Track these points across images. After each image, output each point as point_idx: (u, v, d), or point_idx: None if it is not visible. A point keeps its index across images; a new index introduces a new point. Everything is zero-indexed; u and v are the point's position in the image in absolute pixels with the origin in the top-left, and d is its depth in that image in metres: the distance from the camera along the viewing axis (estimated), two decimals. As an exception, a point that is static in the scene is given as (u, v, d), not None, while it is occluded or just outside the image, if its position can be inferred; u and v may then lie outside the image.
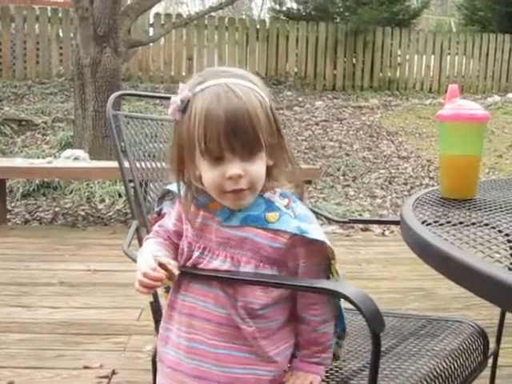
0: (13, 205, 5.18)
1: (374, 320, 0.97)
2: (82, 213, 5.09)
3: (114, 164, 1.65)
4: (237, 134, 1.03)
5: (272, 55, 9.63)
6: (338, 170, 6.43)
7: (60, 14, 8.92)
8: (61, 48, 8.94)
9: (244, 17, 15.17)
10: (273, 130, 1.08)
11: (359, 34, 9.77)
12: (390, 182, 6.17)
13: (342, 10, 10.86)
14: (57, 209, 5.15)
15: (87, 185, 5.47)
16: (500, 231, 1.03)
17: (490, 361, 1.57)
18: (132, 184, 1.58)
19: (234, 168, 1.04)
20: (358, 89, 9.75)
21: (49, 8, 9.13)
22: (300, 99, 8.87)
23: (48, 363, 2.28)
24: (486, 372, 1.55)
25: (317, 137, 7.42)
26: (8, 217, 4.85)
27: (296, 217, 1.11)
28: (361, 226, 4.70)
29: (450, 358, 1.27)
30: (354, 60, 9.90)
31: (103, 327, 2.66)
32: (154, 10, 8.99)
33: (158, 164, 1.65)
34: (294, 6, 11.21)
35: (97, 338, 2.53)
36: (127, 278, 3.22)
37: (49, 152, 6.20)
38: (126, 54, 6.39)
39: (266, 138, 1.06)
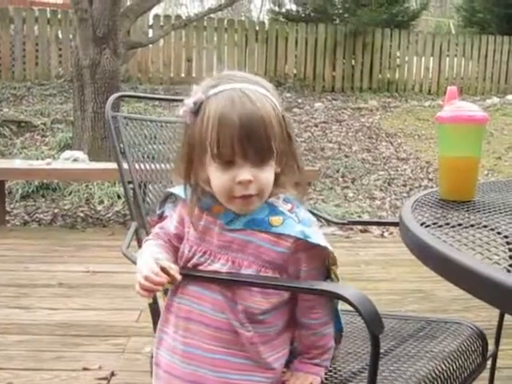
0: (12, 206, 5.18)
1: (373, 322, 0.97)
2: (81, 214, 5.08)
3: (113, 165, 1.65)
4: (250, 140, 1.03)
5: (271, 57, 9.64)
6: (337, 171, 6.43)
7: (59, 16, 8.92)
8: (60, 49, 8.94)
9: (243, 18, 15.17)
10: (284, 137, 1.09)
11: (358, 36, 9.78)
12: (389, 184, 6.17)
13: (341, 11, 10.87)
14: (56, 210, 5.15)
15: (86, 186, 5.47)
16: (499, 233, 1.03)
17: (489, 362, 1.57)
18: (131, 185, 1.58)
19: (245, 173, 1.05)
20: (357, 90, 9.75)
21: (48, 9, 9.13)
22: (299, 101, 8.87)
23: (47, 365, 2.28)
24: (485, 374, 1.55)
25: (316, 138, 7.42)
26: (7, 218, 4.85)
27: (300, 221, 1.11)
28: (360, 227, 4.69)
29: (448, 360, 1.27)
30: (353, 61, 9.90)
31: (102, 329, 2.65)
32: (153, 12, 8.98)
33: (157, 166, 1.65)
34: (293, 7, 11.23)
35: (96, 340, 2.53)
36: (126, 280, 3.22)
37: (48, 153, 6.20)
38: (126, 55, 6.39)
39: (278, 145, 1.06)
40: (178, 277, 1.08)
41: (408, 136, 7.72)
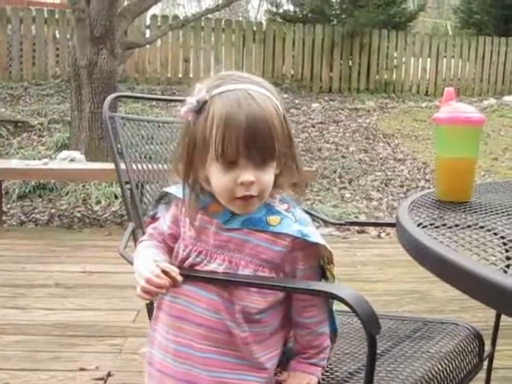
0: (8, 206, 5.17)
1: (370, 322, 0.97)
2: (78, 214, 5.08)
3: (111, 166, 1.65)
4: (255, 142, 1.03)
5: (268, 57, 9.64)
6: (335, 172, 6.44)
7: (56, 16, 8.90)
8: (57, 49, 8.92)
9: (241, 19, 15.17)
10: (285, 139, 1.09)
11: (356, 37, 9.79)
12: (386, 185, 6.18)
13: (338, 12, 10.88)
14: (53, 210, 5.14)
15: (83, 186, 5.47)
16: (495, 234, 1.04)
17: (486, 363, 1.57)
18: (128, 186, 1.58)
19: (248, 174, 1.05)
20: (354, 91, 9.76)
21: (45, 9, 9.12)
22: (296, 101, 8.88)
23: (44, 365, 2.28)
24: (482, 374, 1.55)
25: (313, 139, 7.42)
26: (4, 218, 4.84)
27: (297, 221, 1.12)
28: (357, 228, 4.70)
29: (445, 360, 1.27)
30: (351, 62, 9.91)
31: (99, 329, 2.65)
32: (150, 12, 8.97)
33: (155, 166, 1.65)
34: (291, 8, 11.24)
35: (92, 340, 2.52)
36: (123, 280, 3.22)
37: (45, 153, 6.19)
38: (123, 55, 6.38)
39: (279, 146, 1.07)
40: (180, 279, 1.07)
41: (405, 137, 7.73)
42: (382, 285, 3.35)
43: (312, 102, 8.93)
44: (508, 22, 10.92)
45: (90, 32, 5.76)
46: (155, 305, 1.21)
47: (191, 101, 1.07)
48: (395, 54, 10.11)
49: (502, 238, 1.00)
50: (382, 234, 4.60)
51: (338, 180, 6.26)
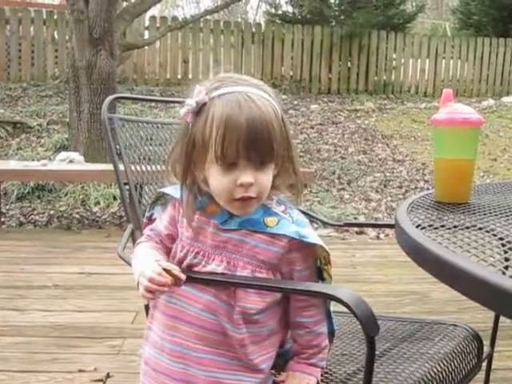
0: (7, 207, 5.17)
1: (369, 323, 0.97)
2: (77, 216, 5.08)
3: (109, 167, 1.65)
4: (255, 143, 1.04)
5: (267, 58, 9.64)
6: (333, 173, 6.44)
7: (55, 17, 8.91)
8: (56, 50, 8.93)
9: (239, 20, 15.17)
10: (283, 141, 1.10)
11: (354, 38, 9.80)
12: (384, 186, 6.18)
13: (337, 13, 10.88)
14: (51, 211, 5.14)
15: (82, 187, 5.46)
16: (494, 235, 1.04)
17: (485, 364, 1.58)
18: (127, 187, 1.58)
19: (247, 176, 1.05)
20: (353, 92, 9.77)
21: (44, 10, 9.11)
22: (295, 102, 8.88)
23: (42, 367, 2.27)
24: (481, 375, 1.55)
25: (312, 140, 7.42)
26: (2, 219, 4.84)
27: (294, 222, 1.13)
28: (356, 229, 4.70)
29: (444, 361, 1.27)
30: (350, 63, 9.92)
31: (98, 330, 2.65)
32: (149, 13, 8.97)
33: (153, 167, 1.65)
34: (290, 9, 11.24)
35: (91, 342, 2.52)
36: (122, 281, 3.22)
37: (44, 154, 6.19)
38: (122, 56, 6.38)
39: (278, 149, 1.08)
40: (183, 276, 1.07)
41: (404, 138, 7.73)
42: (380, 286, 3.35)
43: (311, 103, 8.93)
44: (506, 22, 10.92)
45: (88, 33, 5.76)
46: (150, 304, 1.21)
47: (190, 102, 1.08)
48: (394, 55, 10.12)
49: (501, 239, 1.00)
50: (381, 235, 4.60)
51: (336, 181, 6.27)
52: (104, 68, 5.83)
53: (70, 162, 5.15)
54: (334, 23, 10.58)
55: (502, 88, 10.28)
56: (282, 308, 1.17)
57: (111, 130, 1.59)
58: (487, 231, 1.06)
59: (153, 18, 9.45)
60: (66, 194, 5.41)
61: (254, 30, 9.75)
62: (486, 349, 1.50)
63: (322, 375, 1.20)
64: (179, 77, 9.36)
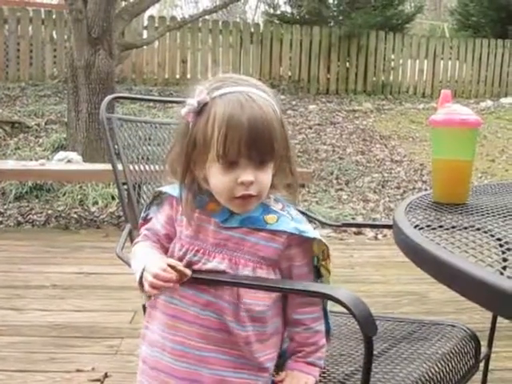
0: (5, 207, 5.16)
1: (367, 323, 0.97)
2: (75, 215, 5.07)
3: (108, 166, 1.65)
4: (256, 143, 1.05)
5: (266, 59, 9.64)
6: (332, 173, 6.44)
7: (54, 16, 8.90)
8: (54, 50, 8.91)
9: (238, 20, 15.17)
10: (283, 141, 1.11)
11: (353, 38, 9.80)
12: (383, 186, 6.18)
13: (335, 14, 10.88)
14: (50, 211, 5.13)
15: (80, 187, 5.45)
16: (492, 235, 1.04)
17: (482, 364, 1.58)
18: (125, 187, 1.58)
19: (248, 175, 1.07)
20: (351, 93, 9.77)
21: (42, 10, 9.10)
22: (293, 103, 8.88)
23: (40, 366, 2.27)
24: (478, 376, 1.55)
25: (310, 140, 7.42)
26: (0, 219, 4.83)
27: (293, 219, 1.15)
28: (354, 229, 4.70)
29: (442, 362, 1.28)
30: (348, 64, 9.92)
31: (96, 330, 2.65)
32: (148, 13, 8.96)
33: (152, 167, 1.65)
34: (288, 9, 11.23)
35: (89, 341, 2.52)
36: (120, 281, 3.22)
37: (42, 154, 6.18)
38: (120, 56, 6.38)
39: (278, 148, 1.09)
40: (188, 272, 1.09)
41: (402, 138, 7.74)
42: (378, 286, 3.36)
43: (309, 104, 8.93)
44: (505, 24, 10.93)
45: (87, 33, 5.75)
46: (148, 303, 1.21)
47: (192, 102, 1.09)
48: (392, 56, 10.12)
49: (499, 239, 1.00)
50: (379, 236, 4.60)
51: (334, 181, 6.27)
52: (102, 68, 5.82)
53: (68, 161, 5.14)
54: (332, 23, 10.58)
55: (500, 89, 10.29)
56: (284, 303, 1.18)
57: (109, 130, 1.59)
58: (485, 232, 1.06)
59: (151, 17, 9.44)
60: (64, 194, 5.41)
61: (252, 30, 9.75)
62: (484, 349, 1.50)
63: (320, 375, 1.20)
64: (178, 77, 9.35)
